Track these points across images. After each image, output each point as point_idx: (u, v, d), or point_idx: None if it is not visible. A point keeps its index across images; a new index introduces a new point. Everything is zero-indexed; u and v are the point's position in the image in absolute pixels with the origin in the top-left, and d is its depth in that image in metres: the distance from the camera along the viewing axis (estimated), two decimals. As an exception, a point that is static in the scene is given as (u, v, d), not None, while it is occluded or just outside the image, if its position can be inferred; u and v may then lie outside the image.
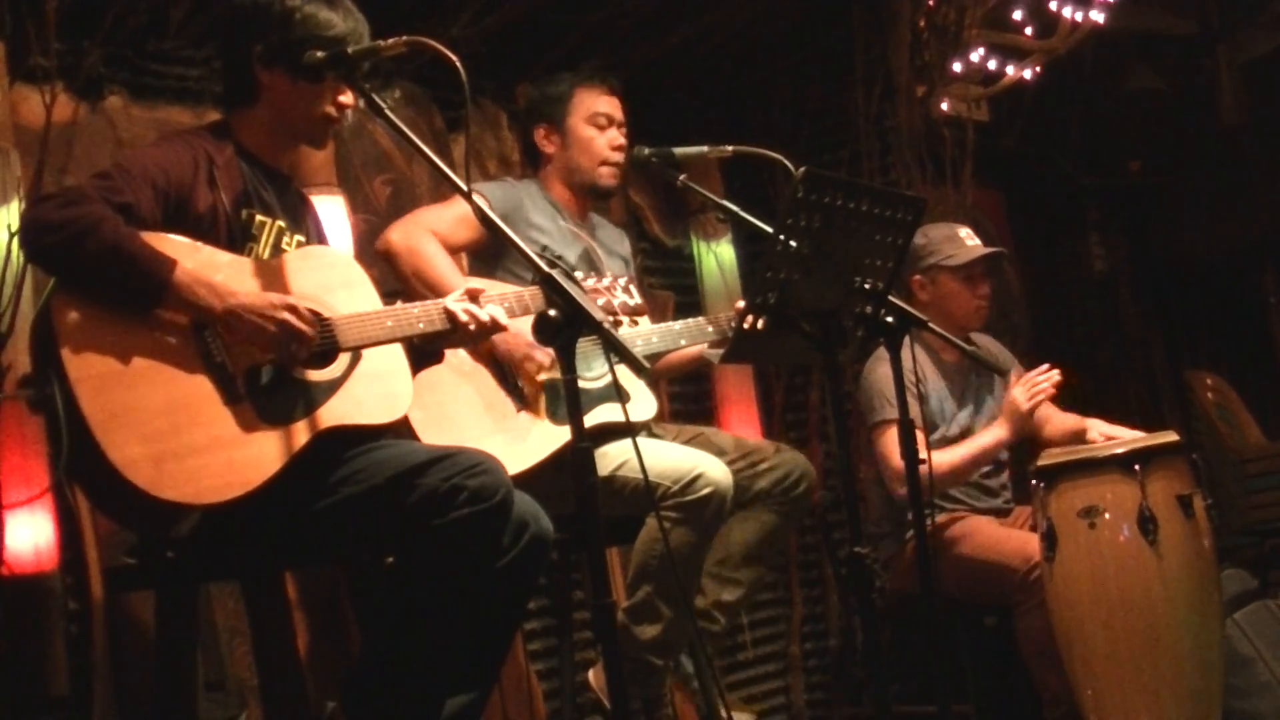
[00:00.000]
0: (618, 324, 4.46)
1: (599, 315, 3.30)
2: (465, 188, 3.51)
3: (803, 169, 3.93)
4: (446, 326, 3.88)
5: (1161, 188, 9.53)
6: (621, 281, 4.52)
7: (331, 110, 3.91)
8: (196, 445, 3.47)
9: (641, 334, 4.75)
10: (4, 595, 4.13)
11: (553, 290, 3.32)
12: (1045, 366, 5.48)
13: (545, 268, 3.35)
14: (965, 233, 5.83)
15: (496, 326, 3.95)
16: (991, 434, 5.51)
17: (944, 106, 7.36)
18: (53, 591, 4.27)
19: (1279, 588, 6.68)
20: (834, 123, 7.15)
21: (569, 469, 4.37)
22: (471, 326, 3.91)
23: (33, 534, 4.22)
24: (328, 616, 4.78)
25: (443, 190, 5.39)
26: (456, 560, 3.64)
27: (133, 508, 3.48)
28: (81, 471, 3.48)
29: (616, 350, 3.32)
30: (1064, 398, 5.64)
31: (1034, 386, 5.41)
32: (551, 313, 3.29)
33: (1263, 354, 10.32)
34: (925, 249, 5.70)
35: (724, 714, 4.72)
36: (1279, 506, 7.82)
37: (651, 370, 3.78)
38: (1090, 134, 8.94)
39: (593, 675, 4.77)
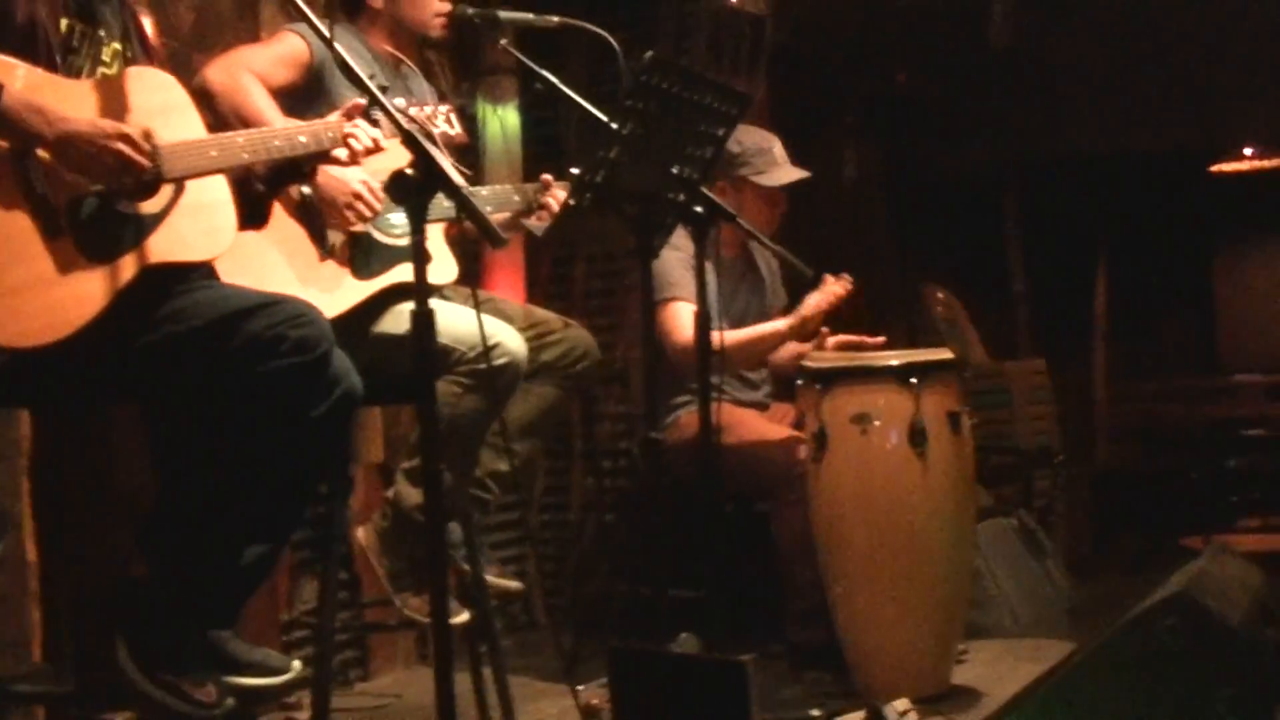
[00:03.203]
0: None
1: (458, 178, 3.25)
2: (324, 31, 3.42)
3: (650, 53, 3.93)
4: (333, 147, 3.80)
5: (923, 102, 9.69)
6: (444, 110, 4.45)
7: None
8: (14, 284, 3.31)
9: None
10: None
11: (411, 145, 3.25)
12: (845, 277, 5.57)
13: (404, 121, 3.28)
14: (778, 150, 5.85)
15: (378, 148, 3.87)
16: (774, 325, 5.60)
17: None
18: None
19: (1010, 505, 6.93)
20: (633, 2, 7.09)
21: (365, 322, 4.39)
22: (359, 147, 3.82)
23: None
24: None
25: (246, 21, 5.24)
26: (270, 409, 3.56)
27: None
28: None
29: (473, 216, 3.27)
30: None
31: (830, 292, 5.50)
32: (409, 171, 3.23)
33: (993, 276, 10.63)
34: (739, 158, 5.73)
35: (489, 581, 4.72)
36: (999, 424, 8.10)
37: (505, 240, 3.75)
38: (863, 41, 9.03)
39: (361, 534, 4.72)
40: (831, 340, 5.72)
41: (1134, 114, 9.89)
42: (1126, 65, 9.75)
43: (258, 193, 3.90)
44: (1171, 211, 10.94)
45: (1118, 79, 9.75)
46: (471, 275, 6.44)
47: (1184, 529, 8.62)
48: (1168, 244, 11.16)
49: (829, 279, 5.65)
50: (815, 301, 5.56)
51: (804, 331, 5.61)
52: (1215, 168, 10.67)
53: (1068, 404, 9.33)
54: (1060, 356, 9.54)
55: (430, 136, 3.55)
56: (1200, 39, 9.74)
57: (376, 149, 3.89)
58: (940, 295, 9.33)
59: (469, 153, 6.58)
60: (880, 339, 5.79)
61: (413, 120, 3.54)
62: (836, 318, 5.74)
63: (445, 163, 3.27)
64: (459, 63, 6.58)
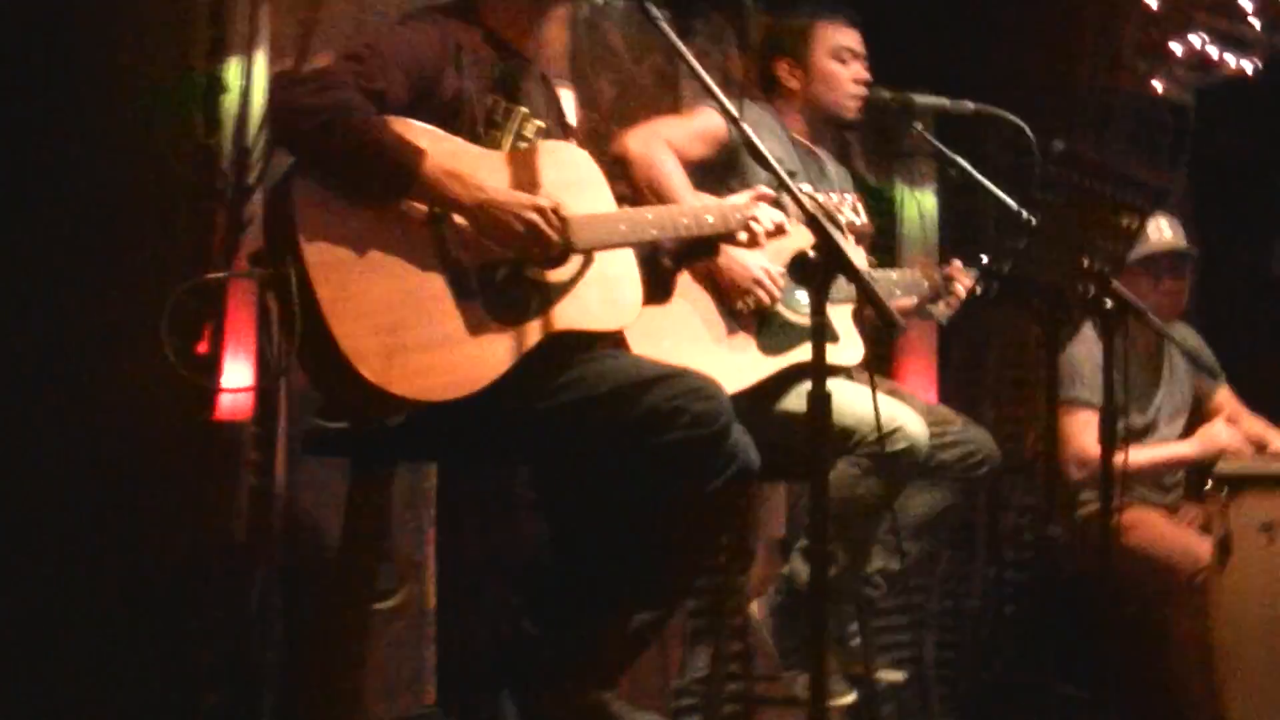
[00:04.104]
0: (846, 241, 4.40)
1: (859, 261, 3.27)
2: (734, 112, 3.50)
3: (1061, 145, 3.89)
4: (738, 229, 3.88)
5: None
6: (850, 199, 4.48)
7: None
8: (426, 341, 3.46)
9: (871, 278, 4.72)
10: (202, 439, 4.15)
11: (815, 229, 3.29)
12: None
13: (809, 204, 3.32)
14: (1164, 223, 5.73)
15: (780, 232, 3.93)
16: (1181, 449, 5.49)
17: (1160, 88, 7.23)
18: (242, 441, 4.29)
19: None
20: (1053, 89, 7.03)
21: (768, 398, 4.43)
22: (759, 230, 3.90)
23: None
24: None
25: (666, 99, 5.36)
26: (666, 480, 3.62)
27: (355, 395, 3.45)
28: (307, 355, 3.45)
29: (871, 300, 3.29)
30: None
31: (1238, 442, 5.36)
32: (812, 253, 3.27)
33: None
34: None
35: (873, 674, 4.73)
36: None
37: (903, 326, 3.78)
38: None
39: (756, 607, 4.76)
40: (1275, 447, 5.56)
41: None
42: None
43: (664, 268, 3.98)
44: None
45: None
46: (880, 359, 6.47)
47: None
48: None
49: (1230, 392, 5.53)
50: (1228, 438, 5.40)
51: (1212, 458, 5.43)
52: None
53: None
54: None
55: (834, 221, 3.58)
56: None
57: (779, 233, 3.94)
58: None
59: (884, 235, 6.60)
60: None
61: (818, 205, 3.57)
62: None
63: (847, 246, 3.29)
64: (877, 145, 6.61)
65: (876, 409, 3.80)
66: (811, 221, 3.29)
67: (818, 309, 3.30)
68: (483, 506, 4.77)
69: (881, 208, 6.70)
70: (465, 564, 4.68)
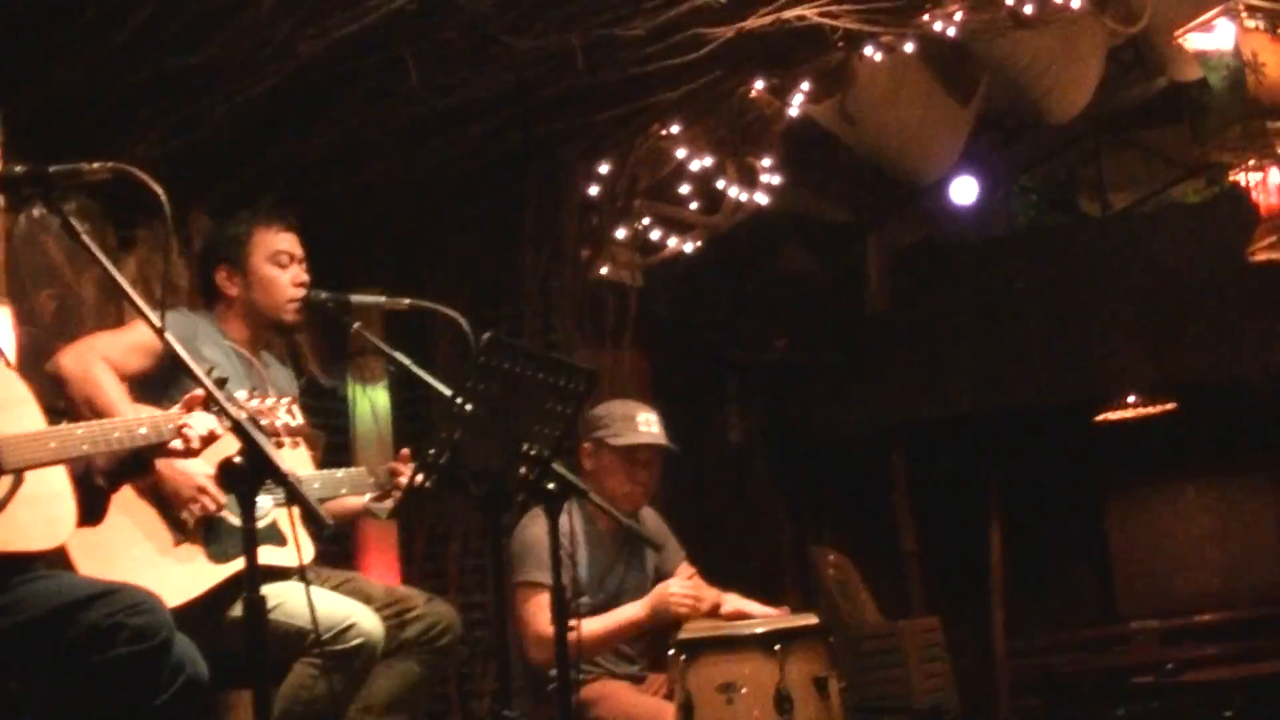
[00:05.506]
0: (279, 444, 4.42)
1: (285, 466, 3.31)
2: (160, 324, 3.50)
3: (489, 335, 4.03)
4: (172, 438, 3.83)
5: (803, 366, 9.87)
6: (285, 402, 4.49)
7: None
8: None
9: (304, 479, 4.73)
10: None
11: (240, 434, 3.32)
12: (694, 581, 5.63)
13: (235, 413, 3.36)
14: (645, 418, 5.91)
15: (213, 437, 3.91)
16: (630, 611, 5.61)
17: (604, 271, 7.53)
18: None
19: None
20: (500, 279, 7.25)
21: (220, 607, 4.40)
22: (194, 442, 3.87)
23: None
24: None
25: (109, 310, 5.32)
26: (111, 698, 3.55)
27: None
28: None
29: (300, 504, 3.33)
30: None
31: (688, 599, 5.53)
32: (237, 459, 3.30)
33: (884, 534, 10.72)
34: (600, 421, 5.81)
35: None
36: (893, 683, 8.13)
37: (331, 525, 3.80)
38: (739, 308, 9.23)
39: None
40: (725, 610, 5.75)
41: (1014, 371, 10.11)
42: (1004, 324, 10.00)
43: (98, 488, 3.91)
44: (1061, 461, 11.11)
45: (996, 338, 9.99)
46: (343, 554, 6.50)
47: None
48: (1059, 494, 11.30)
49: (684, 567, 5.73)
50: (676, 589, 5.59)
51: (662, 620, 5.60)
52: (1101, 417, 10.84)
53: (967, 660, 9.38)
54: (957, 612, 9.61)
55: (259, 425, 3.60)
56: (1076, 293, 10.03)
57: (212, 439, 3.92)
58: (832, 558, 9.40)
59: (339, 434, 6.66)
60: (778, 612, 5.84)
61: (247, 411, 3.59)
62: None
63: (275, 450, 3.32)
64: (326, 345, 6.68)
65: (314, 610, 3.81)
66: (236, 428, 3.32)
67: (249, 514, 3.32)
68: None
69: (335, 407, 6.77)
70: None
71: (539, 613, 5.41)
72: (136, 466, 3.98)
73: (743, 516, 9.59)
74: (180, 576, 4.42)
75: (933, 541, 10.88)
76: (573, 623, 4.55)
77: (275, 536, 4.64)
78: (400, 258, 7.18)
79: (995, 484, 11.09)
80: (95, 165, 3.62)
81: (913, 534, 10.87)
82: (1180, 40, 7.38)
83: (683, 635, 5.31)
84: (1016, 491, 11.04)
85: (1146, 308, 10.06)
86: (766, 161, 7.75)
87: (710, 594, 5.84)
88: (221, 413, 3.42)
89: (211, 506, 4.45)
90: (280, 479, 3.29)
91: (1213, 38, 7.16)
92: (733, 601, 5.87)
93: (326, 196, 6.45)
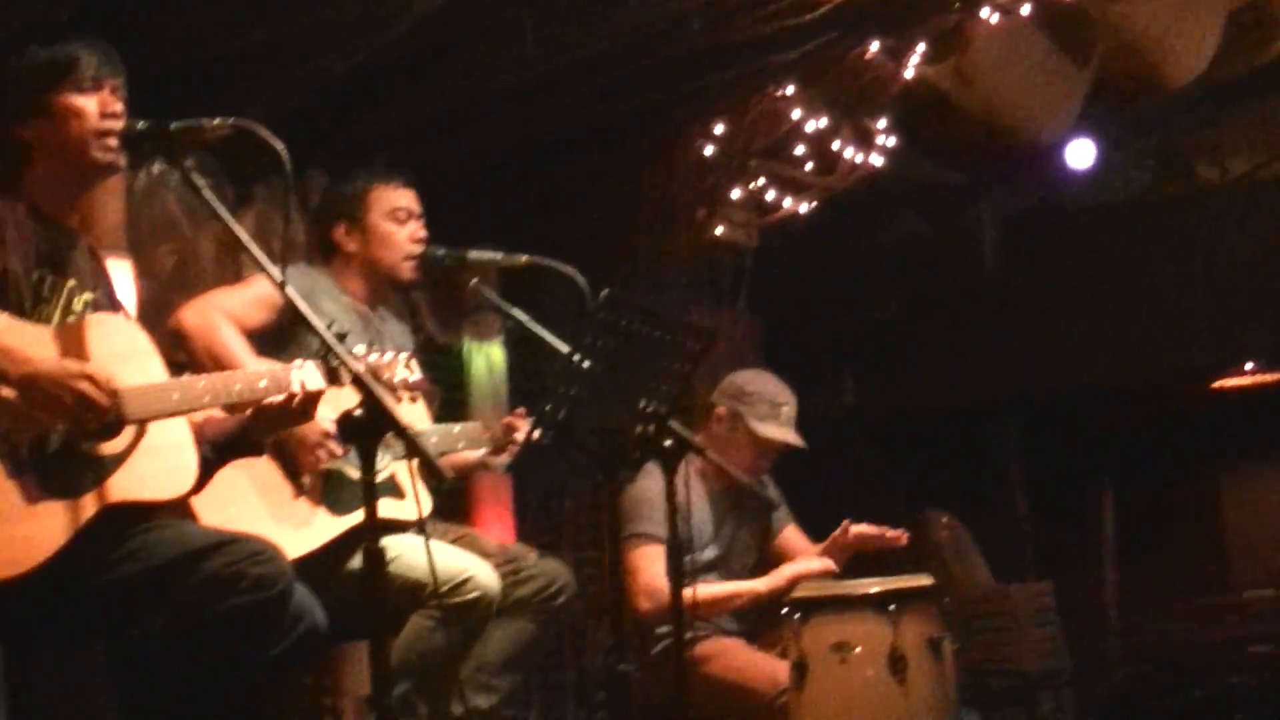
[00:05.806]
0: (398, 399, 4.44)
1: (404, 420, 3.32)
2: (281, 278, 3.52)
3: (607, 291, 4.01)
4: (286, 394, 3.84)
5: (916, 329, 9.80)
6: (403, 357, 4.52)
7: (106, 124, 3.77)
8: (-23, 520, 3.36)
9: (422, 433, 4.76)
10: None
11: (361, 389, 3.34)
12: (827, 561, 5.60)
13: (354, 366, 3.38)
14: (788, 411, 5.87)
15: (313, 392, 3.91)
16: (753, 586, 5.61)
17: (718, 231, 7.51)
18: None
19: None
20: (615, 238, 7.24)
21: (339, 559, 4.44)
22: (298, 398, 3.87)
23: None
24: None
25: (228, 265, 5.36)
26: (230, 646, 3.59)
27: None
28: None
29: (419, 457, 3.34)
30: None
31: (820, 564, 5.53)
32: (357, 412, 3.32)
33: (996, 499, 10.63)
34: (746, 395, 5.79)
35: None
36: (1004, 646, 8.08)
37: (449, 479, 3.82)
38: (853, 271, 9.17)
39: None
40: (853, 530, 5.71)
41: (1130, 337, 9.99)
42: (1120, 290, 9.88)
43: (204, 459, 3.92)
44: (1176, 428, 10.97)
45: (1112, 303, 9.88)
46: (457, 509, 6.53)
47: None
48: (1174, 461, 11.15)
49: (843, 531, 5.68)
50: (802, 569, 5.57)
51: (783, 595, 5.58)
52: (1218, 384, 10.70)
53: (1079, 626, 9.30)
54: (1069, 578, 9.52)
55: (380, 379, 3.62)
56: (1193, 258, 9.89)
57: (314, 394, 3.91)
58: (944, 520, 9.36)
59: (455, 389, 6.69)
60: (901, 534, 5.79)
61: (364, 365, 3.61)
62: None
63: (392, 404, 3.34)
64: (443, 302, 6.70)
65: (432, 564, 3.82)
66: (356, 381, 3.34)
67: (369, 466, 3.34)
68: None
69: (451, 363, 6.80)
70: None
71: (649, 564, 5.42)
72: (246, 447, 3.99)
73: (853, 481, 9.54)
74: (300, 529, 4.47)
75: (1045, 506, 10.79)
76: (687, 591, 4.55)
77: (394, 490, 4.68)
78: (514, 216, 7.18)
79: (1109, 450, 10.98)
80: (216, 121, 3.65)
81: (1024, 500, 10.78)
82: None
83: (797, 594, 5.31)
84: (1130, 458, 10.92)
85: (1265, 274, 9.91)
86: (882, 123, 7.69)
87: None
88: (342, 366, 3.43)
89: (338, 452, 4.47)
90: (400, 432, 3.30)
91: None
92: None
93: (442, 154, 6.46)
